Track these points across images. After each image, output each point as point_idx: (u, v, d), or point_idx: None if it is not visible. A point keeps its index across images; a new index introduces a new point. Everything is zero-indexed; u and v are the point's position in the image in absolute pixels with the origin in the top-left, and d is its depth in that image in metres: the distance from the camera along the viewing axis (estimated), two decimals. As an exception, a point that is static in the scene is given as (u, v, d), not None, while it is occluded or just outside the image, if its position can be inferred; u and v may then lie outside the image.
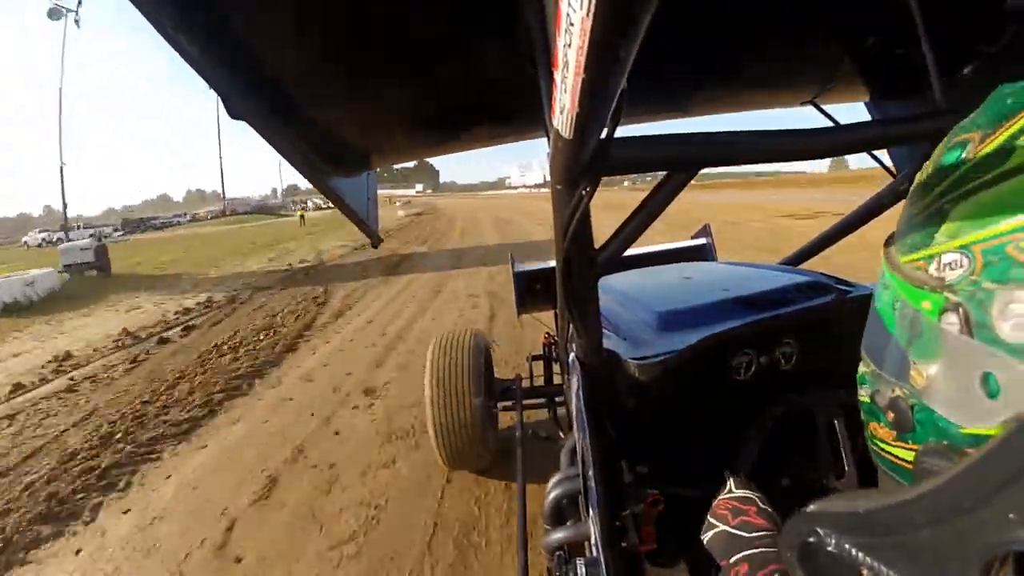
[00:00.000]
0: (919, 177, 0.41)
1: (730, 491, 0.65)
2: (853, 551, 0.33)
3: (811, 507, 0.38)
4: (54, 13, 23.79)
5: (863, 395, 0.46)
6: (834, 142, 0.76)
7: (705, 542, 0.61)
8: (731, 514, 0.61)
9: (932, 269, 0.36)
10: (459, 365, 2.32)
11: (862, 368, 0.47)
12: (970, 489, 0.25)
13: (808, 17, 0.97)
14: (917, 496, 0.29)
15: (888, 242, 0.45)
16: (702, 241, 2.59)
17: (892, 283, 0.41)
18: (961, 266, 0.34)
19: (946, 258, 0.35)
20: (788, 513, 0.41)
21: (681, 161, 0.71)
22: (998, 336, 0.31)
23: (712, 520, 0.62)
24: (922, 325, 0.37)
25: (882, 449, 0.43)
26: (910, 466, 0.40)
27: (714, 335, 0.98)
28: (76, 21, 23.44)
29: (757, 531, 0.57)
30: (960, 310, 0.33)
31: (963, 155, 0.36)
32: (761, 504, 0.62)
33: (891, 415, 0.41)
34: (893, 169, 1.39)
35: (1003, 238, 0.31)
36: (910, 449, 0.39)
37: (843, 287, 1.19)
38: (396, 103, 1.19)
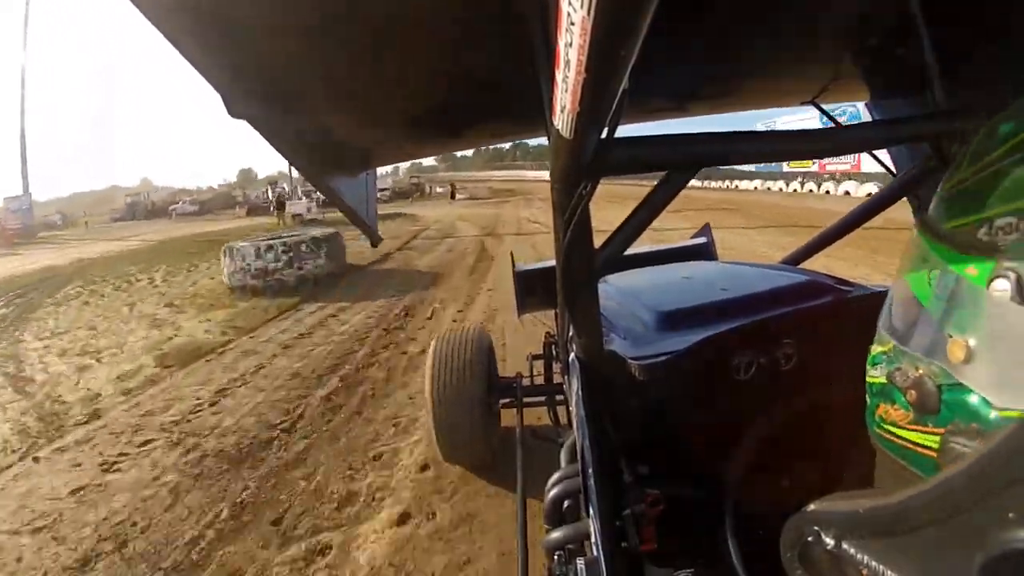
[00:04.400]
0: (972, 143, 0.39)
1: None
2: (853, 551, 0.32)
3: (811, 507, 0.38)
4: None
5: (876, 376, 0.44)
6: (834, 142, 0.76)
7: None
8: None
9: (982, 234, 0.34)
10: (461, 361, 2.32)
11: (877, 348, 0.45)
12: (970, 489, 0.25)
13: (808, 17, 0.97)
14: (917, 496, 0.29)
15: (921, 219, 0.42)
16: (702, 241, 2.59)
17: (932, 254, 0.38)
18: (1017, 230, 0.31)
19: (1000, 222, 0.32)
20: (788, 513, 0.41)
21: (681, 161, 0.71)
22: None
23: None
24: (964, 294, 0.34)
25: (891, 433, 0.41)
26: (923, 451, 0.38)
27: (714, 335, 0.98)
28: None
29: None
30: (1013, 276, 0.31)
31: (1020, 123, 0.35)
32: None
33: (913, 394, 0.38)
34: (893, 169, 1.38)
35: None
36: (929, 432, 0.37)
37: (843, 287, 1.19)
38: (396, 103, 1.19)
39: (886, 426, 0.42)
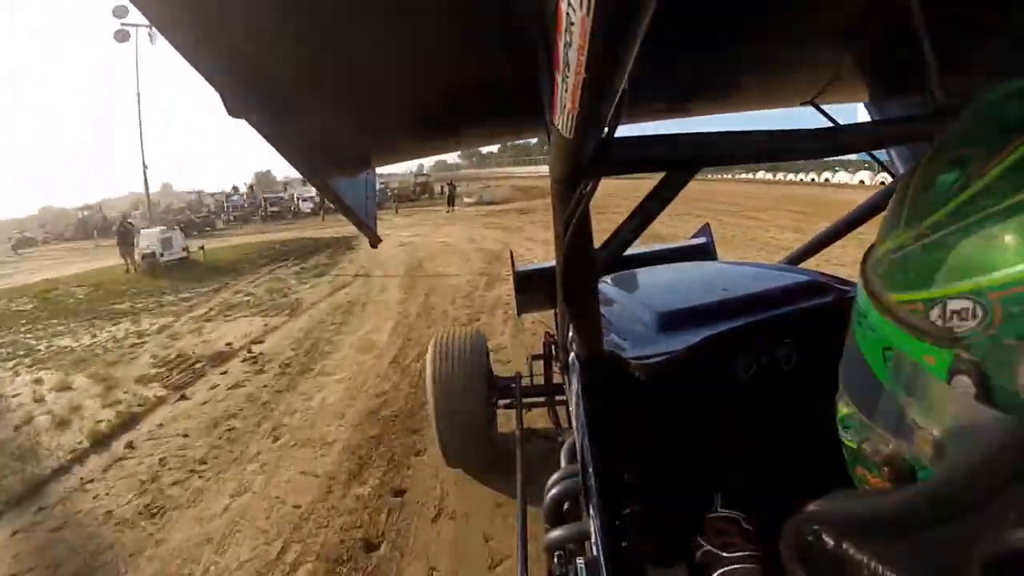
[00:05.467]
0: (907, 195, 0.35)
1: (716, 510, 0.70)
2: (853, 551, 0.32)
3: (811, 507, 0.38)
4: (120, 35, 23.16)
5: (848, 439, 0.42)
6: (834, 142, 0.76)
7: (696, 559, 0.67)
8: (714, 533, 0.67)
9: (935, 317, 0.30)
10: (459, 363, 2.33)
11: (844, 409, 0.43)
12: (970, 488, 0.25)
13: (808, 16, 0.97)
14: (917, 495, 0.29)
15: (864, 264, 0.39)
16: (702, 240, 2.59)
17: (881, 326, 0.35)
18: (974, 316, 0.28)
19: (954, 305, 0.29)
20: (788, 513, 0.41)
21: (681, 161, 0.71)
22: None
23: (699, 539, 0.68)
24: (926, 384, 0.31)
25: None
26: None
27: (714, 335, 0.98)
28: (149, 36, 22.78)
29: (735, 550, 0.64)
30: (975, 371, 0.28)
31: (966, 176, 0.30)
32: (743, 524, 0.68)
33: (887, 471, 0.36)
34: (893, 169, 1.39)
35: None
36: None
37: (843, 287, 1.19)
38: (396, 102, 1.19)
39: (867, 487, 0.42)
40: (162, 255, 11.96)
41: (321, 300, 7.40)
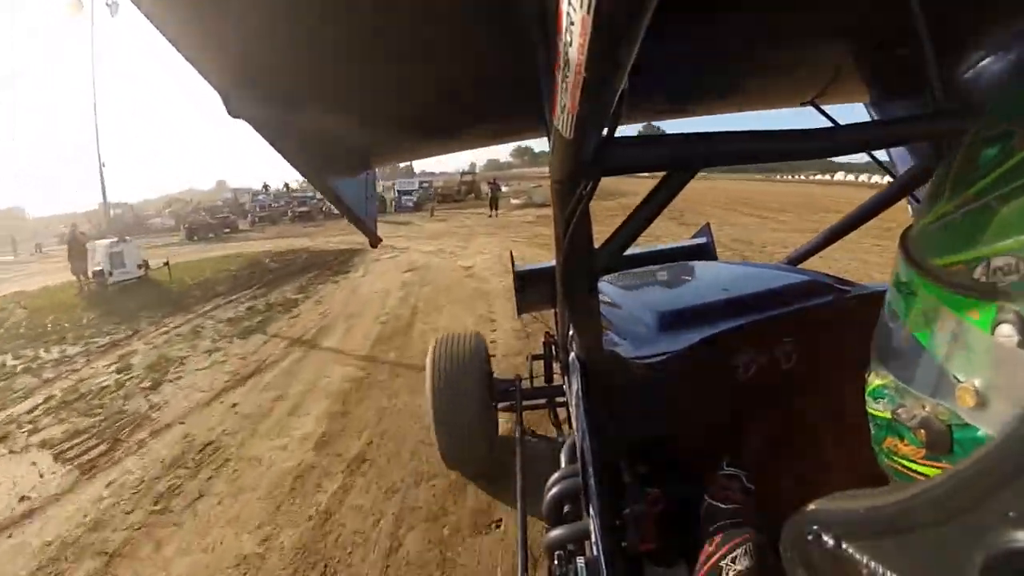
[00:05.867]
0: (949, 172, 0.37)
1: (722, 468, 0.75)
2: (853, 551, 0.32)
3: (811, 507, 0.38)
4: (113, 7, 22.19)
5: (878, 410, 0.43)
6: (834, 142, 0.76)
7: (700, 513, 0.72)
8: (717, 489, 0.72)
9: (978, 274, 0.32)
10: (459, 367, 2.34)
11: (876, 380, 0.43)
12: (970, 488, 0.25)
13: (808, 17, 0.97)
14: (917, 495, 0.29)
15: (904, 240, 0.41)
16: (702, 240, 2.59)
17: (923, 290, 0.36)
18: (1017, 271, 0.30)
19: (997, 261, 0.31)
20: (788, 513, 0.41)
21: (681, 161, 0.71)
22: None
23: (705, 494, 0.73)
24: (969, 338, 0.33)
25: (904, 466, 0.41)
26: None
27: (714, 335, 0.98)
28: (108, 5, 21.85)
29: (734, 505, 0.69)
30: (1018, 320, 0.30)
31: (1009, 148, 0.32)
32: (745, 482, 0.72)
33: (922, 434, 0.37)
34: (893, 169, 1.38)
35: None
36: (944, 468, 0.37)
37: (843, 287, 1.19)
38: (396, 103, 1.19)
39: (897, 459, 0.42)
40: (110, 274, 9.51)
41: (159, 434, 3.81)
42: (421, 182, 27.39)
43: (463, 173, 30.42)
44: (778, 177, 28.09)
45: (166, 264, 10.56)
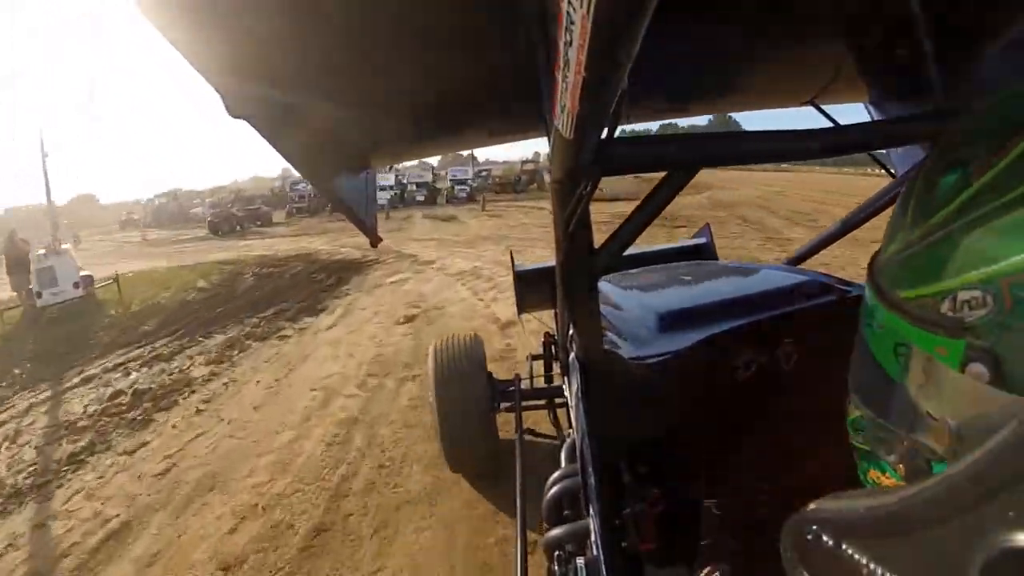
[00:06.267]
0: (911, 198, 0.36)
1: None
2: (853, 551, 0.32)
3: (811, 507, 0.38)
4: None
5: (859, 443, 0.43)
6: (834, 142, 0.76)
7: None
8: None
9: (945, 308, 0.31)
10: (458, 370, 2.36)
11: (855, 412, 0.43)
12: (970, 488, 0.25)
13: (808, 16, 0.97)
14: (917, 495, 0.29)
15: (872, 267, 0.39)
16: (702, 240, 2.59)
17: (891, 323, 0.36)
18: (985, 305, 0.29)
19: (964, 295, 0.30)
20: (787, 513, 0.41)
21: (681, 161, 0.71)
22: None
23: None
24: (939, 375, 0.32)
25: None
26: None
27: (714, 335, 0.98)
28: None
29: None
30: (988, 358, 0.29)
31: (968, 176, 0.31)
32: None
33: (902, 469, 0.37)
34: (893, 169, 1.39)
35: None
36: None
37: (843, 287, 1.19)
38: (396, 103, 1.19)
39: (878, 487, 0.41)
40: (39, 295, 7.47)
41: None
42: (480, 170, 25.81)
43: (525, 162, 28.02)
44: (868, 171, 27.63)
45: (115, 280, 8.22)
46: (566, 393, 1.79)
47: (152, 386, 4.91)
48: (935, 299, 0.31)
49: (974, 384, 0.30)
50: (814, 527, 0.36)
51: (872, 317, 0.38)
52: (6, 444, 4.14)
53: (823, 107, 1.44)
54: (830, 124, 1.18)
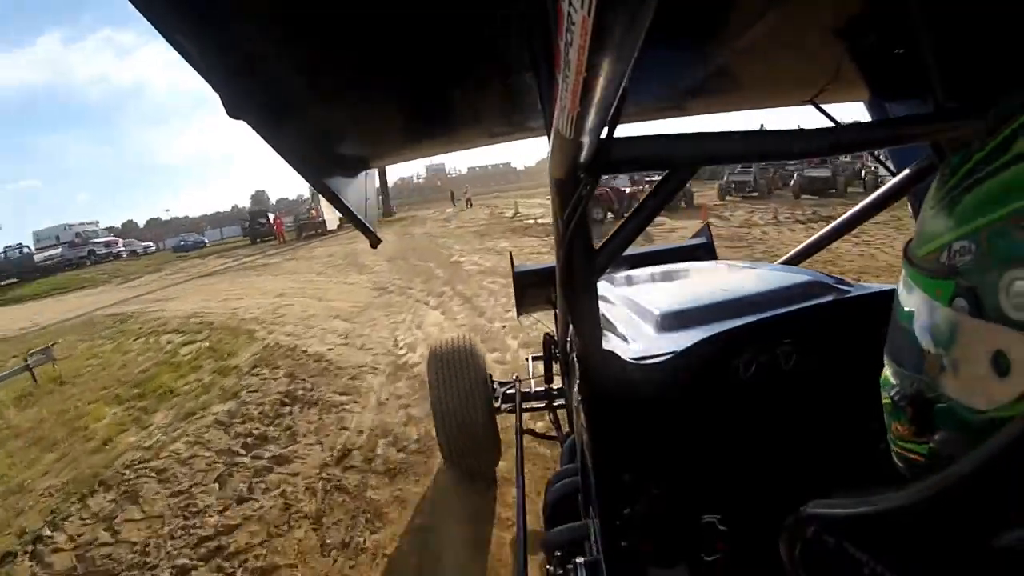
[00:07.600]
0: (934, 181, 0.42)
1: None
2: (853, 551, 0.33)
3: (811, 507, 0.38)
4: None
5: (886, 397, 0.47)
6: (834, 142, 0.76)
7: None
8: None
9: (943, 258, 0.37)
10: (457, 372, 2.36)
11: (885, 372, 0.48)
12: (970, 488, 0.25)
13: (808, 16, 0.97)
14: (917, 495, 0.29)
15: (904, 248, 0.45)
16: (702, 240, 2.59)
17: (911, 280, 0.42)
18: (970, 252, 0.35)
19: (956, 245, 0.36)
20: (788, 513, 0.41)
21: (681, 160, 0.71)
22: (1006, 314, 0.32)
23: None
24: (935, 313, 0.38)
25: (903, 448, 0.44)
26: (918, 459, 0.40)
27: (714, 335, 0.98)
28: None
29: None
30: (969, 293, 0.34)
31: (971, 153, 0.37)
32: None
33: (910, 411, 0.41)
34: (893, 169, 1.38)
35: (1008, 220, 0.32)
36: (927, 443, 0.40)
37: (843, 287, 1.19)
38: (396, 102, 1.19)
39: (899, 443, 0.44)
40: None
41: None
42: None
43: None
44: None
45: (53, 361, 5.89)
46: (566, 393, 1.79)
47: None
48: (938, 252, 0.38)
49: (958, 315, 0.35)
50: (814, 527, 0.36)
51: (905, 280, 0.44)
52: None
53: (823, 107, 1.44)
54: (830, 124, 1.18)
